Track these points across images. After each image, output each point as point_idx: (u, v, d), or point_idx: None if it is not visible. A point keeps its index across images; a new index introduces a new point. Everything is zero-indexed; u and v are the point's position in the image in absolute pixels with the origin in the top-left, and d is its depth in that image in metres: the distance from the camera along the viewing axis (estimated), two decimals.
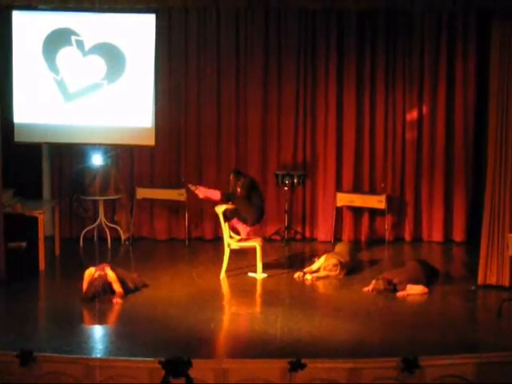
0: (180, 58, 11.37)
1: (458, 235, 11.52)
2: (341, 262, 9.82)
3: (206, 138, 11.54)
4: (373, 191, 11.54)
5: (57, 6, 9.63)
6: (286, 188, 11.30)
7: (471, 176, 11.45)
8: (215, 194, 10.09)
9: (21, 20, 10.51)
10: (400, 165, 11.57)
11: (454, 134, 11.41)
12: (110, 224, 11.34)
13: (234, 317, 8.72)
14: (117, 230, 11.38)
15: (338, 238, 11.48)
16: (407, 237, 11.64)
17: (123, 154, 11.48)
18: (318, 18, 11.27)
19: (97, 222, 11.30)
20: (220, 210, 9.82)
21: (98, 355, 7.31)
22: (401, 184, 11.62)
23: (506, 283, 9.21)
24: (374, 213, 11.57)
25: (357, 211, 11.59)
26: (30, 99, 10.68)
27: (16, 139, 10.67)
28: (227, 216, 9.87)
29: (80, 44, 10.57)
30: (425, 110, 11.43)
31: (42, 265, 9.97)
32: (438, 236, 11.54)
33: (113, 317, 8.57)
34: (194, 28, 11.33)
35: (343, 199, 11.43)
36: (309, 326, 8.09)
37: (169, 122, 11.38)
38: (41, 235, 9.98)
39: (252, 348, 7.53)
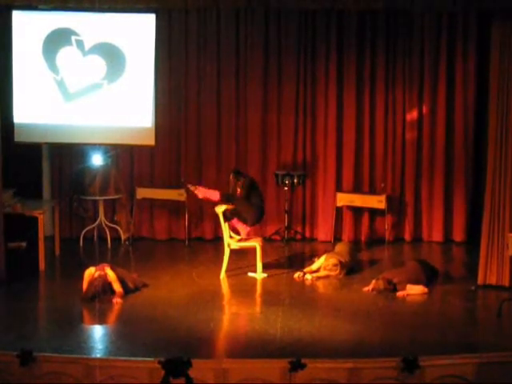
0: (180, 58, 11.37)
1: (458, 235, 11.52)
2: (341, 262, 9.83)
3: (206, 138, 11.55)
4: (373, 191, 11.54)
5: (57, 5, 9.63)
6: (286, 188, 11.30)
7: (471, 176, 11.45)
8: (214, 195, 10.09)
9: (21, 20, 10.51)
10: (400, 165, 11.57)
11: (453, 134, 11.41)
12: (109, 224, 11.34)
13: (233, 317, 8.73)
14: (117, 230, 11.38)
15: (338, 238, 11.48)
16: (407, 237, 11.64)
17: (123, 154, 11.48)
18: (318, 18, 11.27)
19: (97, 222, 11.31)
20: (220, 210, 9.82)
21: (98, 355, 7.31)
22: (401, 184, 11.62)
23: (506, 283, 9.21)
24: (373, 213, 11.57)
25: (357, 211, 11.60)
26: (30, 99, 10.68)
27: (16, 139, 10.67)
28: (227, 216, 9.87)
29: (80, 44, 10.57)
30: (425, 109, 11.44)
31: (41, 265, 9.97)
32: (437, 236, 11.54)
33: (113, 317, 8.57)
34: (193, 28, 11.33)
35: (343, 199, 11.43)
36: (309, 326, 8.09)
37: (169, 122, 11.38)
38: (41, 235, 9.98)
39: (252, 348, 7.53)
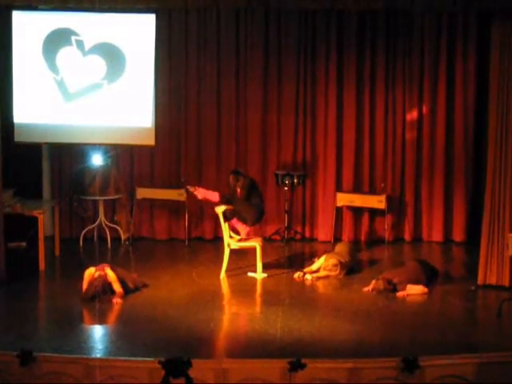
0: (180, 58, 11.37)
1: (458, 235, 11.52)
2: (341, 262, 9.83)
3: (206, 138, 11.55)
4: (373, 191, 11.54)
5: (57, 6, 9.63)
6: (286, 188, 11.30)
7: (471, 176, 11.45)
8: (214, 196, 10.09)
9: (21, 20, 10.51)
10: (400, 165, 11.57)
11: (453, 134, 11.41)
12: (109, 224, 11.34)
13: (233, 317, 8.73)
14: (117, 230, 11.38)
15: (338, 238, 11.48)
16: (407, 237, 11.64)
17: (123, 154, 11.48)
18: (318, 17, 11.27)
19: (97, 222, 11.31)
20: (220, 210, 9.82)
21: (98, 355, 7.31)
22: (401, 184, 11.62)
23: (506, 283, 9.21)
24: (373, 213, 11.57)
25: (357, 211, 11.60)
26: (30, 99, 10.68)
27: (16, 139, 10.68)
28: (227, 216, 9.87)
29: (80, 44, 10.57)
30: (425, 109, 11.44)
31: (41, 265, 9.97)
32: (437, 236, 11.54)
33: (113, 317, 8.57)
34: (193, 28, 11.34)
35: (343, 199, 11.43)
36: (309, 326, 8.09)
37: (169, 122, 11.38)
38: (41, 235, 9.98)
39: (252, 348, 7.53)
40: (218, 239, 11.16)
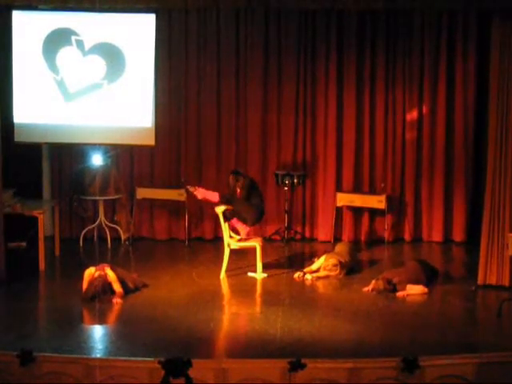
0: (180, 58, 11.37)
1: (458, 235, 11.52)
2: (341, 262, 9.83)
3: (206, 138, 11.55)
4: (373, 191, 11.54)
5: (57, 5, 9.63)
6: (286, 188, 11.30)
7: (471, 176, 11.45)
8: (214, 196, 10.09)
9: (21, 20, 10.51)
10: (400, 165, 11.57)
11: (454, 134, 11.41)
12: (110, 224, 11.34)
13: (233, 317, 8.73)
14: (117, 230, 11.38)
15: (337, 238, 11.48)
16: (407, 237, 11.64)
17: (123, 154, 11.48)
18: (318, 18, 11.27)
19: (97, 222, 11.31)
20: (220, 210, 9.82)
21: (98, 355, 7.31)
22: (401, 184, 11.62)
23: (506, 283, 9.21)
24: (373, 213, 11.57)
25: (357, 211, 11.60)
26: (30, 99, 10.68)
27: (16, 139, 10.67)
28: (227, 216, 9.87)
29: (80, 44, 10.57)
30: (425, 109, 11.44)
31: (41, 265, 9.97)
32: (437, 236, 11.54)
33: (113, 317, 8.57)
34: (193, 28, 11.34)
35: (343, 199, 11.43)
36: (309, 326, 8.09)
37: (169, 122, 11.38)
38: (41, 235, 9.98)
39: (252, 348, 7.53)
40: (218, 239, 11.16)
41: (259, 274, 9.82)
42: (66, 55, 10.62)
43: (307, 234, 11.75)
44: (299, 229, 11.70)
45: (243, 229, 10.04)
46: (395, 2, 9.11)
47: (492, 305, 8.73)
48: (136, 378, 6.89)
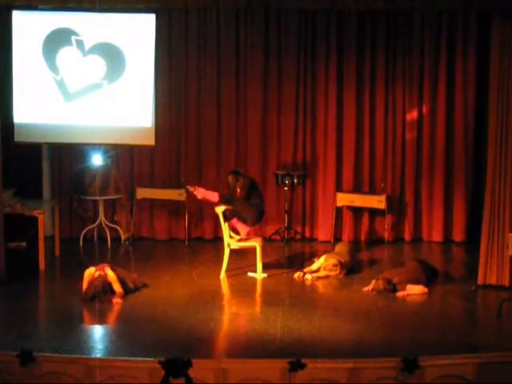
0: (180, 58, 11.38)
1: (458, 235, 11.52)
2: (341, 262, 9.83)
3: (206, 138, 11.55)
4: (373, 191, 11.54)
5: (57, 5, 9.63)
6: (286, 188, 11.30)
7: (471, 176, 11.45)
8: (213, 196, 10.09)
9: (21, 20, 10.51)
10: (400, 165, 11.57)
11: (454, 134, 11.41)
12: (110, 224, 11.34)
13: (233, 317, 8.73)
14: (117, 230, 11.38)
15: (337, 238, 11.48)
16: (407, 237, 11.64)
17: (123, 154, 11.49)
18: (318, 18, 11.27)
19: (97, 222, 11.31)
20: (220, 210, 9.82)
21: (98, 355, 7.31)
22: (401, 184, 11.62)
23: (506, 283, 9.21)
24: (373, 213, 11.57)
25: (357, 211, 11.60)
26: (30, 99, 10.68)
27: (16, 139, 10.67)
28: (227, 216, 9.87)
29: (80, 44, 10.57)
30: (425, 109, 11.44)
31: (41, 265, 9.97)
32: (437, 236, 11.54)
33: (113, 317, 8.56)
34: (193, 28, 11.34)
35: (343, 199, 11.43)
36: (309, 326, 8.09)
37: (169, 122, 11.38)
38: (41, 235, 9.98)
39: (252, 348, 7.53)
40: (218, 239, 11.16)
41: (259, 274, 9.82)
42: (66, 55, 10.62)
43: (307, 234, 11.75)
44: (299, 229, 11.70)
45: (243, 229, 10.04)
46: (395, 1, 9.11)
47: (492, 305, 8.72)
48: (136, 378, 6.89)
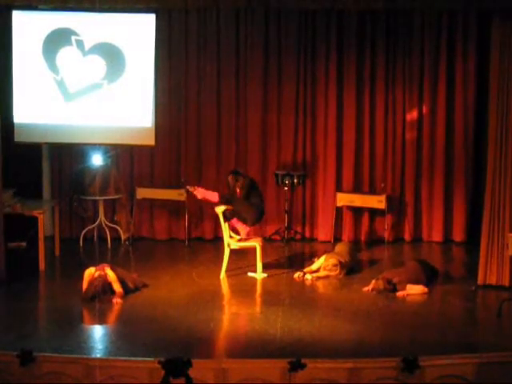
0: (180, 58, 11.38)
1: (458, 235, 11.52)
2: (341, 262, 9.83)
3: (206, 138, 11.55)
4: (373, 191, 11.54)
5: (57, 5, 9.63)
6: (286, 188, 11.30)
7: (471, 176, 11.45)
8: (213, 196, 10.09)
9: (21, 20, 10.51)
10: (400, 165, 11.57)
11: (454, 134, 11.41)
12: (109, 224, 11.34)
13: (233, 317, 8.73)
14: (117, 230, 11.38)
15: (337, 238, 11.48)
16: (407, 237, 11.64)
17: (123, 154, 11.49)
18: (318, 17, 11.27)
19: (97, 222, 11.31)
20: (220, 210, 9.82)
21: (98, 355, 7.31)
22: (401, 184, 11.62)
23: (506, 283, 9.21)
24: (373, 213, 11.57)
25: (357, 211, 11.60)
26: (30, 99, 10.68)
27: (16, 139, 10.68)
28: (227, 216, 9.87)
29: (80, 44, 10.57)
30: (425, 109, 11.44)
31: (41, 265, 9.97)
32: (437, 236, 11.54)
33: (113, 317, 8.56)
34: (193, 28, 11.34)
35: (343, 199, 11.43)
36: (309, 326, 8.09)
37: (169, 122, 11.38)
38: (41, 235, 9.98)
39: (252, 348, 7.53)
40: (218, 239, 11.16)
41: (259, 274, 9.82)
42: (66, 55, 10.62)
43: (307, 234, 11.75)
44: (299, 229, 11.70)
45: (243, 229, 10.04)
46: (395, 1, 9.11)
47: (492, 305, 8.72)
48: (136, 378, 6.89)
